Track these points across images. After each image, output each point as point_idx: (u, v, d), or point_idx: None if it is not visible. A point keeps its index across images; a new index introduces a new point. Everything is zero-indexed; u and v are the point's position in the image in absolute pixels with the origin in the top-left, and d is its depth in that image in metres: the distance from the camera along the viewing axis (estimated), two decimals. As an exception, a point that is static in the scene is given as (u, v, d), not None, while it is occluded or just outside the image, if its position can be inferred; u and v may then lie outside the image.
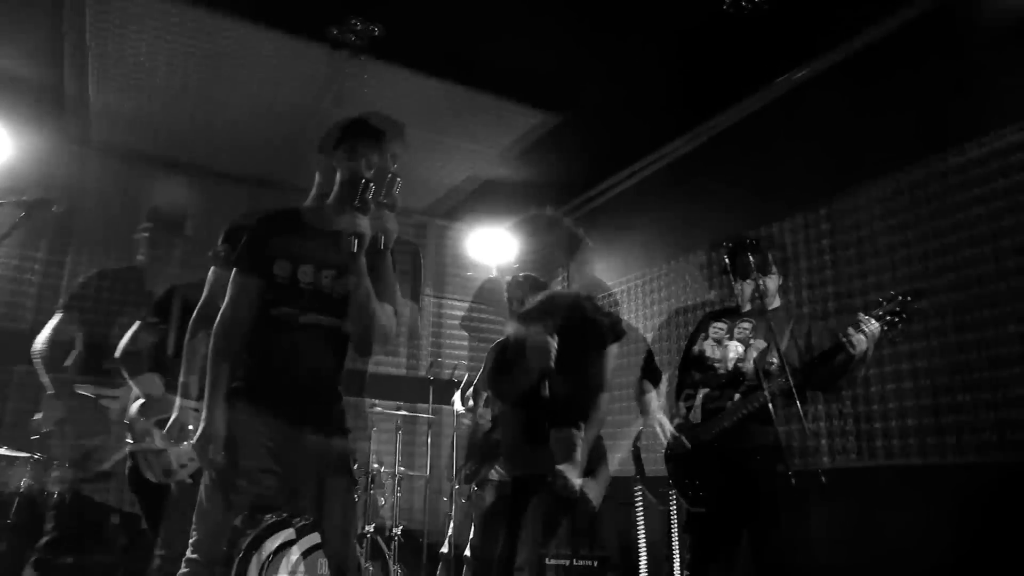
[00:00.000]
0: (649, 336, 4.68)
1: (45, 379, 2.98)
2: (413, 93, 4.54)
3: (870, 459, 3.81)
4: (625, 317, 5.31)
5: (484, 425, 3.98)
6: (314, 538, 3.64)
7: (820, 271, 4.23)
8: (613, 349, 2.66)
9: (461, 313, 6.46)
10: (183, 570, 2.04)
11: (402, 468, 4.78)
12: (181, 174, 5.41)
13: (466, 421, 4.54)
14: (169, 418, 2.71)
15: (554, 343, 2.55)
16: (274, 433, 2.14)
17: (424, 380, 5.39)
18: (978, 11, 3.36)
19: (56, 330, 3.06)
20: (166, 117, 4.94)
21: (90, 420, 2.87)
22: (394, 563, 4.31)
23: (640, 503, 4.29)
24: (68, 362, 3.04)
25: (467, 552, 4.08)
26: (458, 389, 4.94)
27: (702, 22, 3.75)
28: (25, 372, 3.10)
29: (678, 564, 4.05)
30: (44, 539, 2.84)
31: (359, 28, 3.91)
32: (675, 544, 4.04)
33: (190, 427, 2.60)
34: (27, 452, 3.19)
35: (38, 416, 3.05)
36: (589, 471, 2.53)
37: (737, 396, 3.02)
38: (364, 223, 2.07)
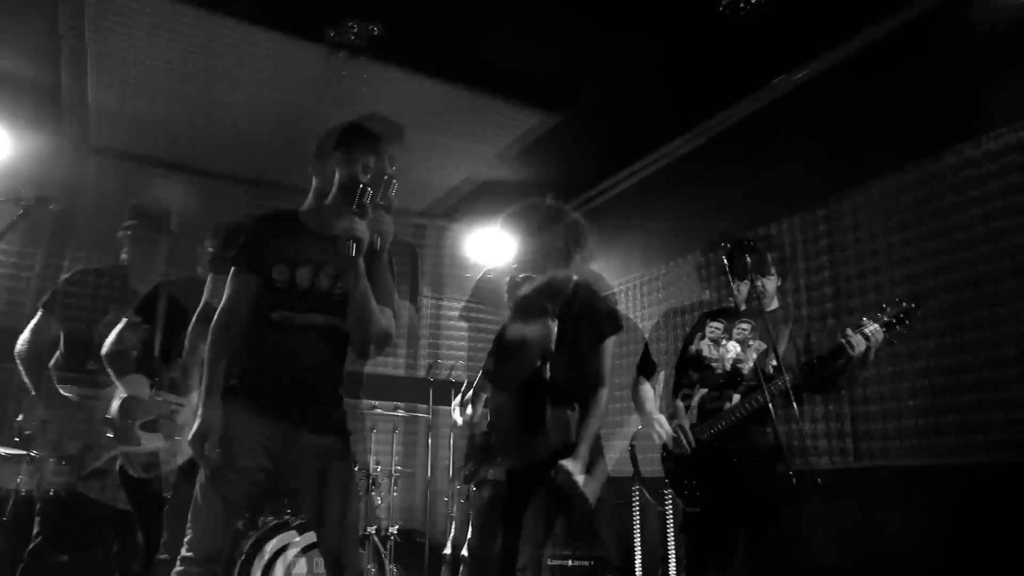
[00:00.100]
0: (647, 335, 4.68)
1: (27, 379, 2.91)
2: (412, 93, 4.55)
3: (868, 460, 3.82)
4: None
5: (481, 425, 3.98)
6: (313, 536, 3.65)
7: (819, 271, 4.23)
8: (612, 341, 2.60)
9: (460, 313, 6.46)
10: (178, 568, 2.04)
11: (398, 468, 4.77)
12: (179, 175, 5.41)
13: (461, 433, 4.56)
14: (153, 419, 2.73)
15: (554, 326, 2.48)
16: (272, 433, 2.14)
17: (422, 381, 5.39)
18: (975, 11, 3.36)
19: (37, 329, 2.98)
20: (164, 118, 4.94)
21: (73, 421, 2.82)
22: (390, 562, 4.31)
23: (637, 503, 4.29)
24: (51, 362, 3.00)
25: (464, 552, 4.08)
26: (458, 394, 4.94)
27: (701, 22, 3.75)
28: (12, 371, 3.03)
29: (673, 564, 4.05)
30: (31, 544, 2.82)
31: (358, 29, 3.91)
32: (671, 544, 4.05)
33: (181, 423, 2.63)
34: (22, 450, 3.17)
35: (20, 417, 2.99)
36: (586, 468, 2.49)
37: (736, 396, 3.02)
38: (362, 227, 2.07)
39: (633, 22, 3.84)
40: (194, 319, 2.67)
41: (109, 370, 2.86)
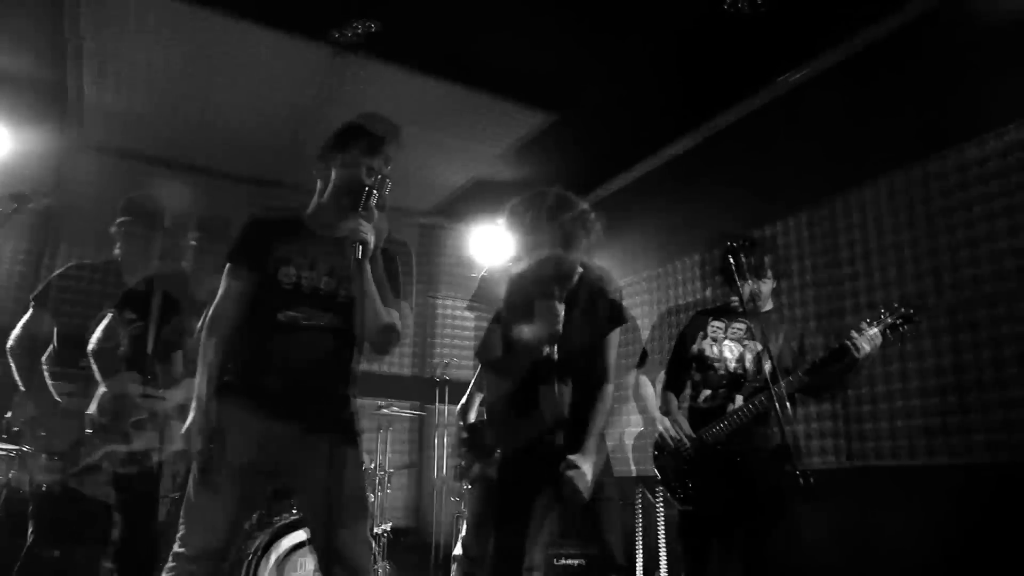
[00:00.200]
0: (645, 334, 4.68)
1: (17, 375, 2.90)
2: (412, 93, 4.54)
3: (860, 460, 3.82)
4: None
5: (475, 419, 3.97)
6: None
7: (819, 271, 4.23)
8: (617, 334, 2.57)
9: (460, 313, 6.46)
10: (170, 564, 2.04)
11: (391, 468, 4.78)
12: (177, 173, 5.40)
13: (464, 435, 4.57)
14: (141, 417, 2.74)
15: (562, 309, 2.41)
16: (278, 434, 2.15)
17: (419, 380, 5.40)
18: (976, 11, 3.35)
19: (28, 325, 2.96)
20: (162, 115, 4.93)
21: (64, 417, 2.80)
22: (382, 558, 4.32)
23: (640, 503, 4.29)
24: (44, 358, 2.98)
25: (458, 551, 4.07)
26: (464, 397, 4.95)
27: (701, 22, 3.75)
28: (5, 367, 2.99)
29: (665, 564, 4.06)
30: (28, 542, 2.82)
31: (358, 28, 3.90)
32: (661, 542, 4.05)
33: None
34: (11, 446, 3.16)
35: (9, 414, 2.96)
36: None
37: (739, 398, 3.03)
38: (368, 229, 2.10)
39: (633, 22, 3.84)
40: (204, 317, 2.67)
41: (94, 367, 2.83)
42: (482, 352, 2.55)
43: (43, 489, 2.81)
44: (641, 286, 5.54)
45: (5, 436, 2.94)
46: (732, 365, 3.09)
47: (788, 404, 2.68)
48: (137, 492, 2.75)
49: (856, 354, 2.81)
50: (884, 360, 3.69)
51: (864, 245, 3.97)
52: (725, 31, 3.75)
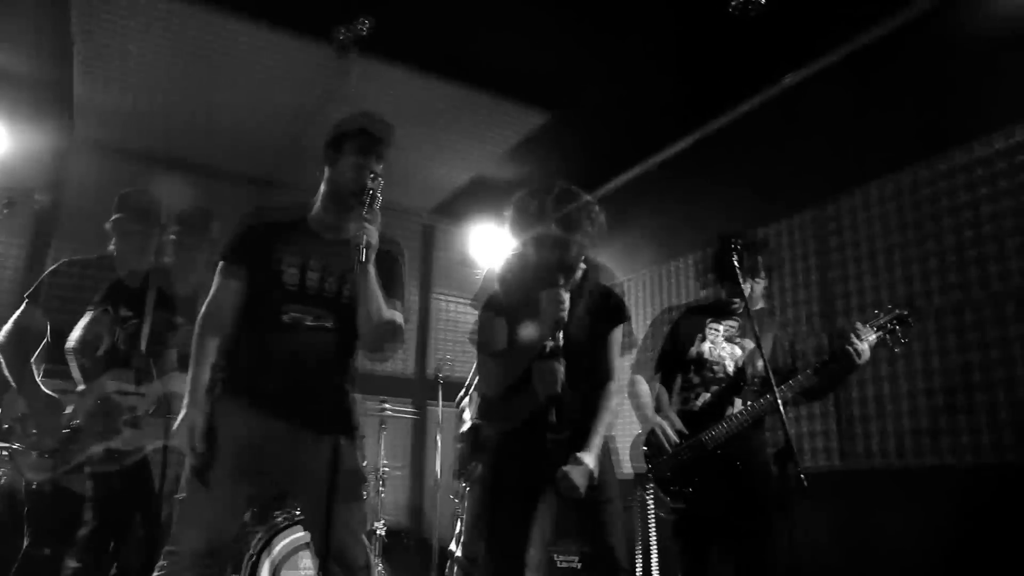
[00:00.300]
0: (641, 334, 4.67)
1: (7, 372, 2.86)
2: (413, 93, 4.55)
3: (853, 461, 3.83)
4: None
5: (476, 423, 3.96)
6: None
7: (819, 271, 4.24)
8: (619, 332, 2.55)
9: (459, 312, 6.46)
10: (161, 562, 2.04)
11: (385, 467, 4.79)
12: (176, 171, 5.39)
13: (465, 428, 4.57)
14: (137, 415, 2.76)
15: (567, 296, 2.35)
16: (279, 432, 2.15)
17: (419, 380, 5.40)
18: (978, 12, 3.35)
19: (19, 321, 2.92)
20: (162, 114, 4.93)
21: (55, 414, 2.78)
22: (382, 559, 4.33)
23: (648, 504, 4.27)
24: (36, 355, 2.95)
25: (457, 550, 4.06)
26: (462, 392, 4.95)
27: (701, 22, 3.75)
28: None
29: (656, 565, 4.06)
30: (24, 544, 2.81)
31: (358, 27, 3.91)
32: (652, 540, 4.05)
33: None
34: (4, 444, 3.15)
35: None
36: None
37: (737, 400, 3.03)
38: (372, 231, 2.11)
39: (633, 21, 3.84)
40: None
41: (74, 366, 2.83)
42: (483, 344, 2.49)
43: (34, 488, 2.80)
44: (639, 285, 5.56)
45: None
46: (731, 368, 3.08)
47: (782, 406, 2.66)
48: (114, 490, 2.74)
49: (857, 360, 2.81)
50: (883, 361, 3.69)
51: (867, 245, 3.98)
52: (725, 31, 3.75)
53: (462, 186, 5.87)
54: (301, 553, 3.68)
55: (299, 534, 3.68)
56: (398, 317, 2.26)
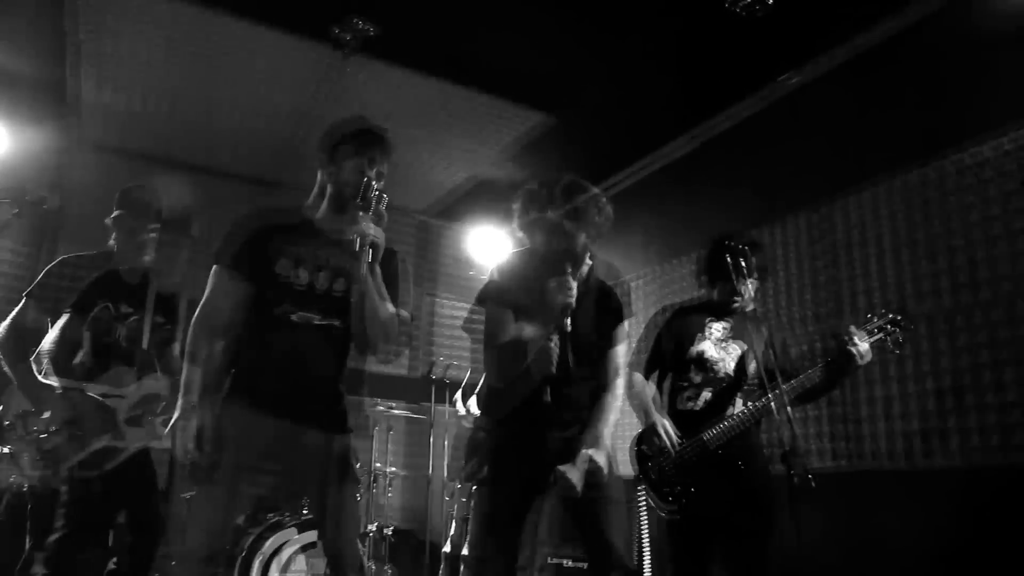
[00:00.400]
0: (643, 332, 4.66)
1: (8, 370, 2.83)
2: (412, 93, 4.54)
3: (858, 462, 3.82)
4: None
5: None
6: (314, 534, 3.66)
7: (819, 272, 4.23)
8: (623, 329, 2.55)
9: (458, 313, 6.45)
10: (177, 566, 2.07)
11: (392, 469, 4.78)
12: (177, 172, 5.40)
13: (466, 424, 4.54)
14: (136, 413, 2.75)
15: (575, 284, 2.33)
16: (275, 431, 2.15)
17: (420, 380, 5.39)
18: (979, 13, 3.35)
19: (19, 318, 2.88)
20: (163, 115, 4.93)
21: (55, 413, 2.74)
22: (386, 562, 4.32)
23: (643, 504, 4.27)
24: (35, 351, 2.91)
25: (464, 551, 4.06)
26: (459, 390, 4.93)
27: (700, 22, 3.74)
28: None
29: (648, 565, 4.04)
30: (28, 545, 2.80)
31: (358, 27, 3.90)
32: (645, 541, 4.03)
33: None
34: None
35: None
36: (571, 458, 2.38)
37: (738, 400, 3.02)
38: (369, 227, 2.10)
39: (633, 22, 3.84)
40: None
41: (47, 368, 2.80)
42: (490, 335, 2.46)
43: (36, 486, 2.80)
44: (644, 284, 5.55)
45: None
46: (731, 367, 3.08)
47: (789, 406, 2.66)
48: (90, 495, 2.70)
49: (860, 360, 2.84)
50: (889, 362, 3.69)
51: (866, 246, 3.97)
52: (725, 31, 3.75)
53: (460, 186, 5.87)
54: (292, 554, 3.67)
55: (290, 534, 3.67)
56: (392, 316, 2.25)
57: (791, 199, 4.37)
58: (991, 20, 3.30)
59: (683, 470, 2.93)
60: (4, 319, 2.89)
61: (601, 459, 2.31)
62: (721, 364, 3.07)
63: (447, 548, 4.64)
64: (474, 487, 2.76)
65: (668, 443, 2.94)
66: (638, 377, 3.15)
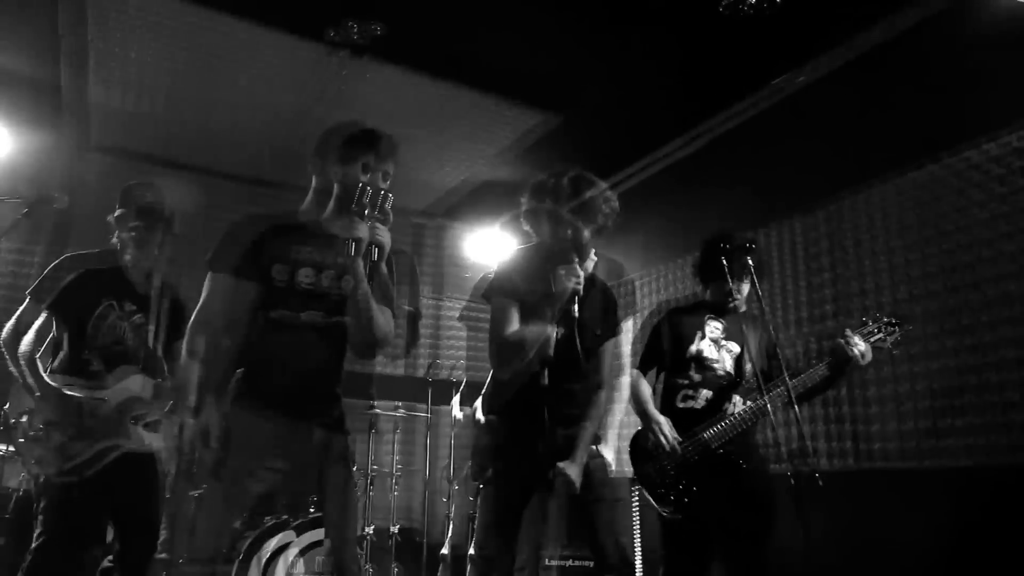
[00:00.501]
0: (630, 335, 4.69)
1: (13, 368, 2.83)
2: (412, 93, 4.54)
3: (867, 462, 3.82)
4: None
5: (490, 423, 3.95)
6: (312, 536, 3.65)
7: (820, 272, 4.24)
8: (612, 344, 2.56)
9: (458, 323, 6.44)
10: (184, 568, 2.05)
11: (399, 468, 4.77)
12: (179, 173, 5.40)
13: (459, 429, 4.54)
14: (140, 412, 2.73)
15: (581, 271, 2.34)
16: (279, 430, 2.15)
17: (422, 380, 5.38)
18: (977, 14, 3.36)
19: (23, 318, 2.88)
20: (165, 116, 4.94)
21: (61, 412, 2.73)
22: (392, 562, 4.30)
23: (636, 504, 4.27)
24: (40, 351, 2.90)
25: (471, 551, 4.05)
26: (457, 392, 4.92)
27: (701, 22, 3.74)
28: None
29: (640, 564, 4.03)
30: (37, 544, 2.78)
31: (359, 28, 3.90)
32: (637, 539, 4.03)
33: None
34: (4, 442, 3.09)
35: (7, 406, 2.88)
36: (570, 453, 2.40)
37: (736, 399, 3.02)
38: (363, 228, 2.09)
39: (634, 22, 3.84)
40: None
41: (24, 370, 2.78)
42: (495, 326, 2.46)
43: (41, 482, 2.77)
44: (642, 284, 5.55)
45: (2, 428, 2.89)
46: (730, 366, 3.08)
47: (795, 405, 2.67)
48: (69, 501, 2.67)
49: (860, 361, 2.86)
50: (888, 362, 3.70)
51: (866, 246, 3.99)
52: (726, 32, 3.75)
53: (459, 186, 5.87)
54: (290, 554, 3.66)
55: (289, 536, 3.66)
56: (387, 317, 2.26)
57: (792, 199, 4.38)
58: (989, 21, 3.31)
59: (684, 469, 2.93)
60: (5, 317, 2.87)
61: (572, 471, 2.32)
62: (720, 363, 3.07)
63: (446, 550, 4.62)
64: (480, 486, 2.76)
65: (669, 442, 2.94)
66: (635, 374, 3.16)
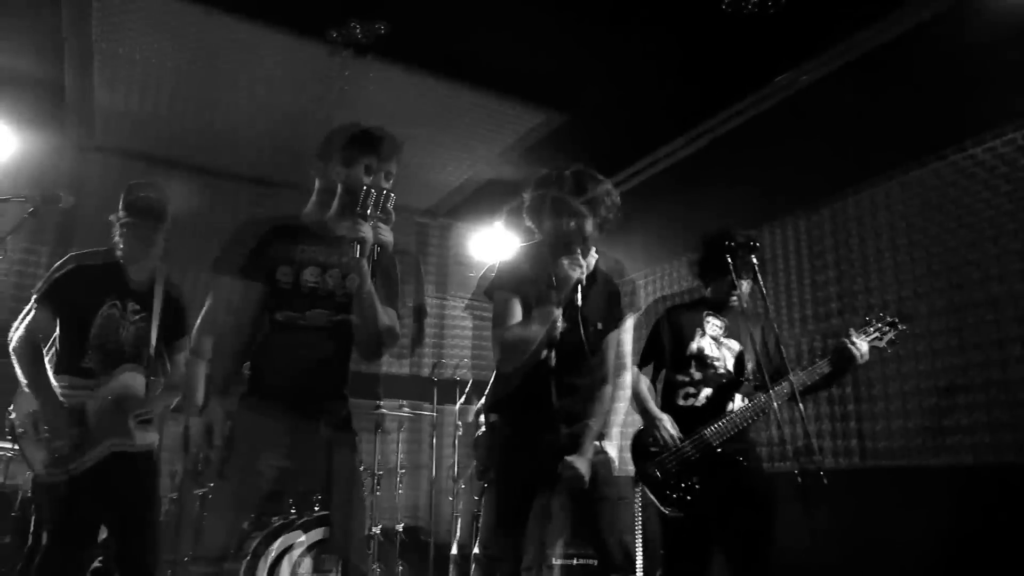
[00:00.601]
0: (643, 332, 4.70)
1: (20, 373, 2.83)
2: (415, 93, 4.55)
3: (872, 460, 3.82)
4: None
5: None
6: (319, 535, 3.66)
7: (824, 271, 4.23)
8: (615, 336, 2.55)
9: (463, 313, 6.45)
10: (192, 567, 2.09)
11: (404, 467, 4.77)
12: (183, 174, 5.41)
13: (460, 432, 4.54)
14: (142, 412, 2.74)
15: (584, 261, 2.36)
16: (285, 429, 2.17)
17: (426, 380, 5.39)
18: (979, 15, 3.35)
19: (32, 323, 2.86)
20: (169, 117, 4.94)
21: (65, 414, 2.74)
22: (398, 562, 4.30)
23: (639, 502, 4.27)
24: (47, 352, 2.91)
25: (476, 550, 4.05)
26: (463, 393, 4.92)
27: (703, 22, 3.74)
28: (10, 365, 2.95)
29: (640, 562, 4.03)
30: (45, 544, 2.79)
31: (362, 28, 3.90)
32: (638, 537, 4.02)
33: None
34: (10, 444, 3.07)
35: (12, 408, 2.87)
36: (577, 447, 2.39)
37: (737, 397, 3.02)
38: (366, 228, 2.11)
39: (636, 22, 3.83)
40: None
41: (20, 368, 2.78)
42: (499, 319, 2.45)
43: (42, 483, 2.77)
44: (643, 284, 5.55)
45: (9, 431, 2.90)
46: (731, 364, 3.08)
47: (800, 403, 2.67)
48: (61, 500, 2.67)
49: (858, 359, 2.88)
50: (894, 360, 3.69)
51: (869, 245, 3.98)
52: (728, 31, 3.74)
53: (461, 186, 5.87)
54: (297, 554, 3.66)
55: (296, 537, 3.66)
56: (391, 317, 2.28)
57: (796, 198, 4.37)
58: (996, 18, 3.30)
59: (687, 467, 2.93)
60: (12, 317, 2.88)
61: (581, 465, 2.31)
62: (721, 361, 3.07)
63: (455, 551, 4.63)
64: (485, 484, 2.78)
65: (672, 440, 2.94)
66: (635, 371, 3.15)
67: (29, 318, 2.85)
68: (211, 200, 5.04)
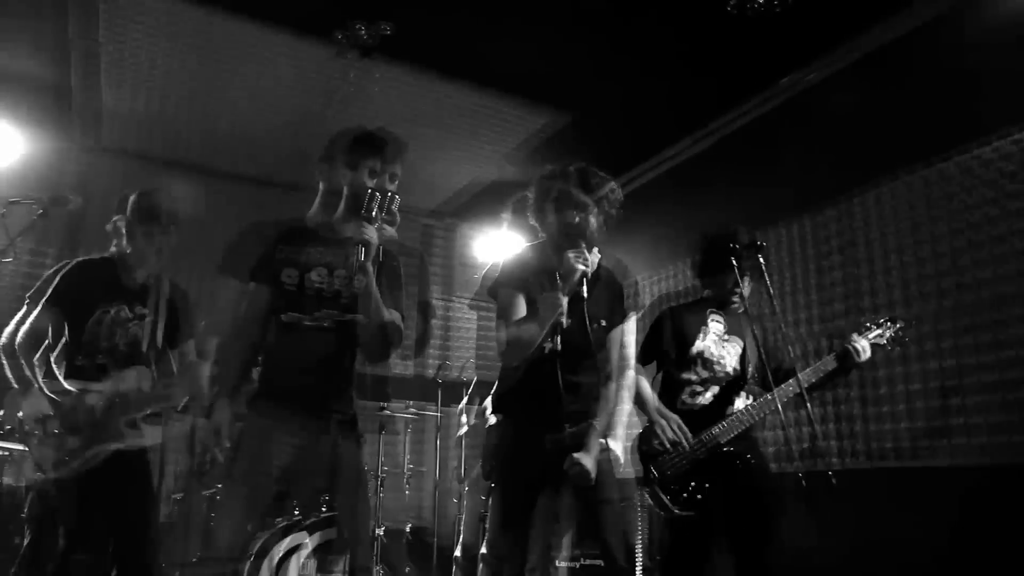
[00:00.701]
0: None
1: (9, 373, 2.82)
2: (420, 94, 4.56)
3: (878, 461, 3.81)
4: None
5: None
6: (325, 535, 3.66)
7: (829, 272, 4.23)
8: (619, 332, 2.55)
9: (467, 314, 6.45)
10: (201, 567, 2.07)
11: (410, 468, 4.77)
12: (189, 175, 5.43)
13: (463, 432, 4.53)
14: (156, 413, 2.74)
15: (590, 257, 2.36)
16: (292, 430, 2.18)
17: (431, 381, 5.39)
18: (981, 16, 3.34)
19: (32, 326, 2.86)
20: (175, 118, 4.96)
21: (58, 415, 2.74)
22: (405, 563, 4.30)
23: (642, 503, 4.26)
24: (54, 355, 2.91)
25: (483, 550, 4.05)
26: (466, 392, 4.91)
27: (708, 22, 3.74)
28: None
29: (641, 562, 4.02)
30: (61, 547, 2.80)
31: (367, 29, 3.91)
32: (638, 538, 4.02)
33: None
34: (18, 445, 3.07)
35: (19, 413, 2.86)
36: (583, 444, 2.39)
37: (739, 397, 3.02)
38: (370, 231, 2.13)
39: (641, 23, 3.83)
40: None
41: (16, 367, 2.77)
42: (502, 314, 2.45)
43: (53, 482, 2.78)
44: (646, 286, 5.55)
45: (16, 434, 2.90)
46: (734, 364, 3.07)
47: (808, 404, 2.68)
48: (55, 500, 2.69)
49: (858, 359, 2.91)
50: (899, 361, 3.69)
51: (873, 246, 3.98)
52: (732, 31, 3.74)
53: (465, 187, 5.88)
54: (302, 555, 3.67)
55: (300, 538, 3.67)
56: (396, 319, 2.29)
57: (801, 198, 4.37)
58: (1001, 18, 3.30)
59: (694, 467, 2.93)
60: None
61: (587, 462, 2.31)
62: (724, 361, 3.07)
63: (458, 552, 4.62)
64: (492, 485, 2.79)
65: (682, 440, 2.93)
66: (637, 369, 3.15)
67: (31, 320, 2.85)
68: (217, 201, 5.04)
